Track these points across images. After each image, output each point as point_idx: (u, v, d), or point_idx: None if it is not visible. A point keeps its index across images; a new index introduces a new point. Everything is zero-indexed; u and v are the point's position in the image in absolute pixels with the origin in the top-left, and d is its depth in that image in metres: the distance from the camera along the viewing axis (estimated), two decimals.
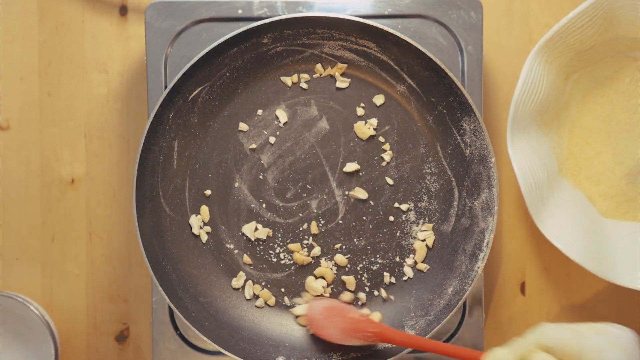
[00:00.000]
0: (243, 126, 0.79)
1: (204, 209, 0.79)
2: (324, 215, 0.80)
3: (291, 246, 0.80)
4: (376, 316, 0.79)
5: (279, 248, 0.80)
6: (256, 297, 0.80)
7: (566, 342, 0.56)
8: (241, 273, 0.80)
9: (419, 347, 0.72)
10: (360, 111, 0.80)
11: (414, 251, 0.80)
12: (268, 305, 0.80)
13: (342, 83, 0.79)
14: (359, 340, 0.74)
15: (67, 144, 0.85)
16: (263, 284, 0.80)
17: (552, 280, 0.85)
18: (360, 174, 0.80)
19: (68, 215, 0.85)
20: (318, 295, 0.79)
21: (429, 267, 0.80)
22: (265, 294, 0.80)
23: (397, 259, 0.80)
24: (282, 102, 0.80)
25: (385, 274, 0.80)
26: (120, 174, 0.85)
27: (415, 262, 0.80)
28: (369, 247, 0.80)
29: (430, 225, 0.79)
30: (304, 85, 0.80)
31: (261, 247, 0.80)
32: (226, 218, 0.80)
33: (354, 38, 0.78)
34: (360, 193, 0.79)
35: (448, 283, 0.78)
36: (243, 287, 0.80)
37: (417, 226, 0.80)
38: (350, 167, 0.79)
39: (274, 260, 0.80)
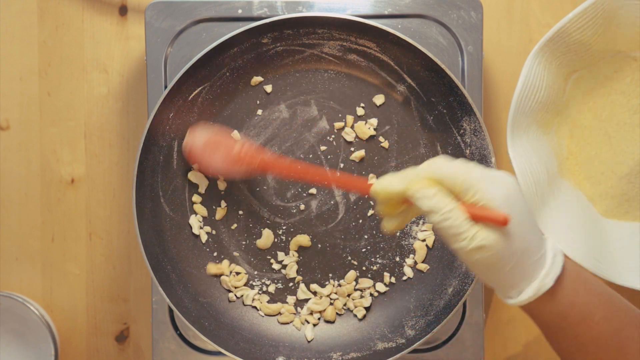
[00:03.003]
0: (236, 135, 0.79)
1: (198, 207, 0.79)
2: (324, 215, 0.80)
3: (291, 245, 0.80)
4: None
5: (278, 248, 0.80)
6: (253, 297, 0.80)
7: (454, 173, 0.58)
8: (226, 261, 0.80)
9: (297, 174, 0.72)
10: (360, 111, 0.80)
11: (414, 251, 0.80)
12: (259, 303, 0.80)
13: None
14: (242, 168, 0.74)
15: (67, 144, 0.85)
16: (262, 283, 0.80)
17: None
18: (362, 173, 0.80)
19: (68, 215, 0.85)
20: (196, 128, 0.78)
21: (429, 267, 0.80)
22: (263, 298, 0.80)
23: (397, 259, 0.80)
24: (282, 102, 0.80)
25: (385, 274, 0.80)
26: (120, 174, 0.85)
27: (415, 262, 0.80)
28: (369, 247, 0.80)
29: (431, 225, 0.79)
30: (305, 85, 0.80)
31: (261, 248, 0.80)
32: (226, 218, 0.80)
33: (354, 38, 0.78)
34: (359, 154, 0.79)
35: (448, 283, 0.78)
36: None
37: (417, 226, 0.80)
38: (357, 155, 0.79)
39: (274, 260, 0.80)
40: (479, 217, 0.57)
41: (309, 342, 0.79)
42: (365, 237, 0.80)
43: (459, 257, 0.61)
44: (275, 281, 0.80)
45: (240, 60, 0.78)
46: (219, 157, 0.74)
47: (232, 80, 0.79)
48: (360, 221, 0.80)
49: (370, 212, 0.80)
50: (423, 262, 0.80)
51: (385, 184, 0.60)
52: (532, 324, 0.85)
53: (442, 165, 0.58)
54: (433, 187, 0.58)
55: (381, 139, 0.80)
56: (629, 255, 0.79)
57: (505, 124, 0.77)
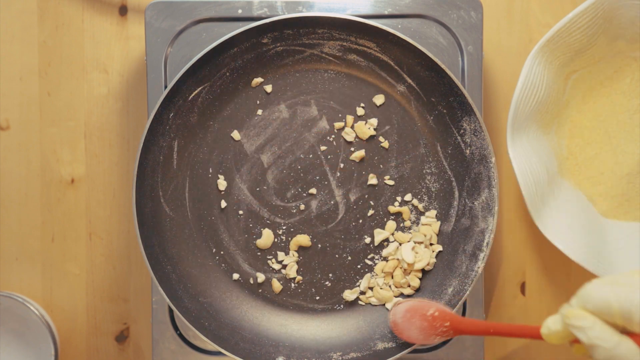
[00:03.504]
0: (236, 134, 0.79)
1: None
2: (324, 215, 0.80)
3: (291, 245, 0.80)
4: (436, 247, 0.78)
5: (278, 248, 0.80)
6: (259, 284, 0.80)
7: (607, 303, 0.52)
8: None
9: (488, 332, 0.68)
10: (360, 111, 0.80)
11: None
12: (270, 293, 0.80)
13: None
14: (438, 336, 0.72)
15: (67, 144, 0.85)
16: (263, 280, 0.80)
17: (552, 280, 0.85)
18: (362, 173, 0.80)
19: (68, 215, 0.85)
20: (400, 297, 0.78)
21: (441, 248, 0.79)
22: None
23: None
24: (282, 102, 0.80)
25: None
26: (120, 174, 0.85)
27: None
28: (369, 248, 0.80)
29: (434, 212, 0.79)
30: (305, 85, 0.80)
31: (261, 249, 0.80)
32: (226, 218, 0.80)
33: (354, 38, 0.78)
34: (359, 154, 0.79)
35: (448, 283, 0.78)
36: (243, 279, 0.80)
37: (416, 226, 0.80)
38: (357, 155, 0.79)
39: (274, 260, 0.80)
40: None
41: (309, 341, 0.79)
42: (365, 237, 0.80)
43: None
44: (274, 279, 0.80)
45: (240, 60, 0.79)
46: (415, 326, 0.73)
47: (232, 80, 0.79)
48: (360, 221, 0.80)
49: (371, 212, 0.80)
50: (436, 244, 0.79)
51: (549, 325, 0.56)
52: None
53: (590, 293, 0.53)
54: (588, 319, 0.52)
55: (381, 139, 0.80)
56: (629, 255, 0.79)
57: (505, 124, 0.77)
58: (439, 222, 0.79)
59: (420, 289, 0.79)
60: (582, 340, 0.53)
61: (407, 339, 0.74)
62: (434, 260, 0.79)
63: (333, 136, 0.80)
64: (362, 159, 0.80)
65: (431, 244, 0.79)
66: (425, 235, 0.79)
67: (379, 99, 0.79)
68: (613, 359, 0.51)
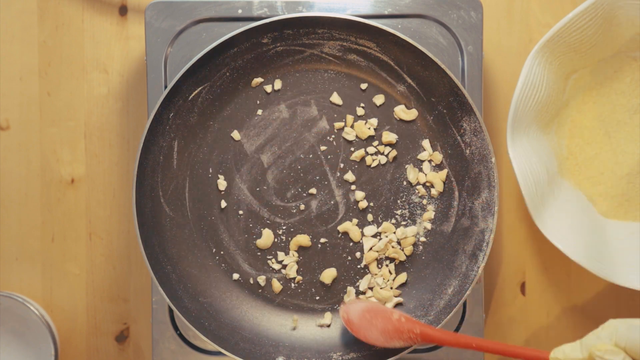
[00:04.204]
0: (236, 134, 0.79)
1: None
2: (324, 215, 0.80)
3: (291, 245, 0.80)
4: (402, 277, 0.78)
5: (278, 248, 0.80)
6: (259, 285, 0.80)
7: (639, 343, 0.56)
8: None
9: (470, 346, 0.68)
10: (360, 111, 0.80)
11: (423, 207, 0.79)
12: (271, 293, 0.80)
13: (407, 115, 0.79)
14: (401, 341, 0.72)
15: (67, 144, 0.85)
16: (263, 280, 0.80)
17: (552, 280, 0.85)
18: (362, 173, 0.80)
19: (68, 215, 0.85)
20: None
21: (443, 191, 0.79)
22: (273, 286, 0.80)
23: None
24: (282, 102, 0.80)
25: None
26: (120, 174, 0.85)
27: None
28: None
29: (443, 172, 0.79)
30: (305, 85, 0.80)
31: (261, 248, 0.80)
32: (226, 218, 0.80)
33: (354, 38, 0.78)
34: (359, 195, 0.79)
35: (448, 283, 0.78)
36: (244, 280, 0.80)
37: (414, 225, 0.80)
38: (357, 155, 0.79)
39: (274, 260, 0.80)
40: None
41: (309, 341, 0.79)
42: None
43: None
44: (274, 279, 0.80)
45: (240, 60, 0.79)
46: (376, 327, 0.73)
47: (232, 80, 0.79)
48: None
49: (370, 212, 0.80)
50: (440, 192, 0.79)
51: (566, 351, 0.59)
52: (532, 324, 0.85)
53: (623, 332, 0.56)
54: (620, 355, 0.56)
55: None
56: (629, 255, 0.79)
57: (505, 124, 0.77)
58: (445, 170, 0.79)
59: (418, 288, 0.79)
60: None
61: (364, 339, 0.74)
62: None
63: (333, 136, 0.80)
64: (362, 159, 0.80)
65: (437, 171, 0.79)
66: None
67: (379, 99, 0.79)
68: None
